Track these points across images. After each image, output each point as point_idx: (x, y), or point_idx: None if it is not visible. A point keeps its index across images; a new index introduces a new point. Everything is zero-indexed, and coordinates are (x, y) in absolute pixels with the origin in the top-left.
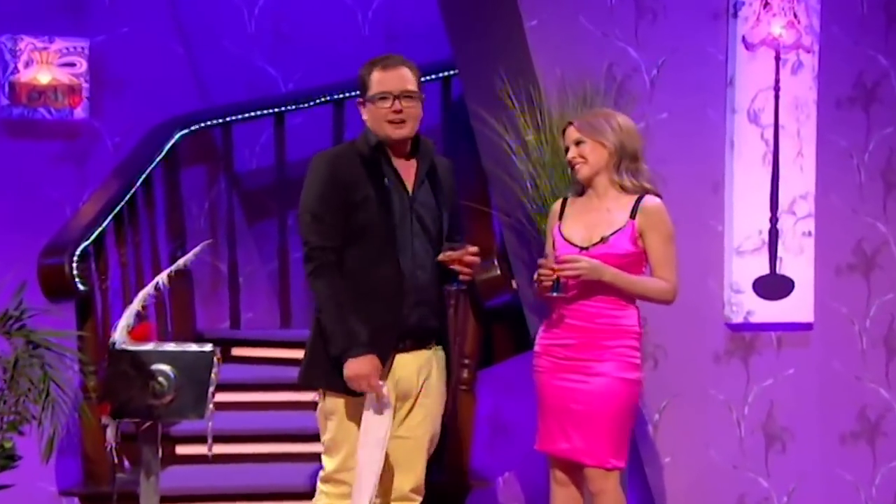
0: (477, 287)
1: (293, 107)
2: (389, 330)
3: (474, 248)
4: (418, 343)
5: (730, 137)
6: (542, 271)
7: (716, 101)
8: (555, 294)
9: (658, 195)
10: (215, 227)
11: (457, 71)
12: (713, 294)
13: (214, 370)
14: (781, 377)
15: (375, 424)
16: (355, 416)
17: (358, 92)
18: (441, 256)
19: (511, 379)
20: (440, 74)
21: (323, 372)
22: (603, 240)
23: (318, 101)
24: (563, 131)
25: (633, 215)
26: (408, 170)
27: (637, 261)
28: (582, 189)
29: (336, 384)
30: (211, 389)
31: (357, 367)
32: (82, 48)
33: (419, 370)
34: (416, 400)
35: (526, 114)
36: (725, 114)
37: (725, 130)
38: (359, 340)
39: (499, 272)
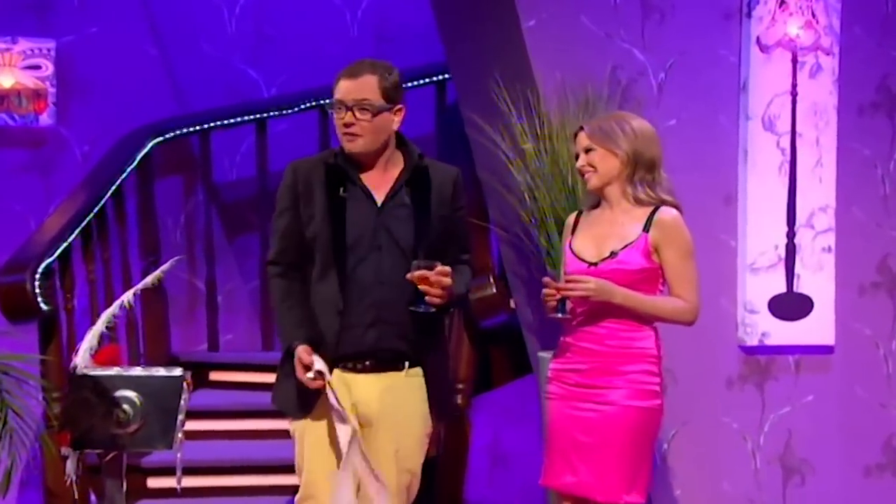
0: (471, 306)
1: (276, 113)
2: (328, 349)
3: (445, 269)
4: (381, 365)
5: (743, 146)
6: (546, 291)
7: (728, 107)
8: (560, 316)
9: (678, 207)
10: (192, 241)
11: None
12: (726, 314)
13: (184, 396)
14: (800, 404)
15: (339, 435)
16: (315, 442)
17: None
18: (408, 276)
19: (510, 405)
20: (434, 78)
21: (283, 393)
22: (612, 255)
23: (303, 106)
24: (575, 136)
25: (646, 228)
26: (381, 179)
27: (651, 277)
28: (597, 201)
29: (292, 407)
30: (180, 417)
31: (299, 353)
32: (48, 49)
33: (382, 393)
34: (382, 429)
35: (523, 121)
36: (738, 120)
37: (738, 138)
38: (294, 334)
39: (495, 290)
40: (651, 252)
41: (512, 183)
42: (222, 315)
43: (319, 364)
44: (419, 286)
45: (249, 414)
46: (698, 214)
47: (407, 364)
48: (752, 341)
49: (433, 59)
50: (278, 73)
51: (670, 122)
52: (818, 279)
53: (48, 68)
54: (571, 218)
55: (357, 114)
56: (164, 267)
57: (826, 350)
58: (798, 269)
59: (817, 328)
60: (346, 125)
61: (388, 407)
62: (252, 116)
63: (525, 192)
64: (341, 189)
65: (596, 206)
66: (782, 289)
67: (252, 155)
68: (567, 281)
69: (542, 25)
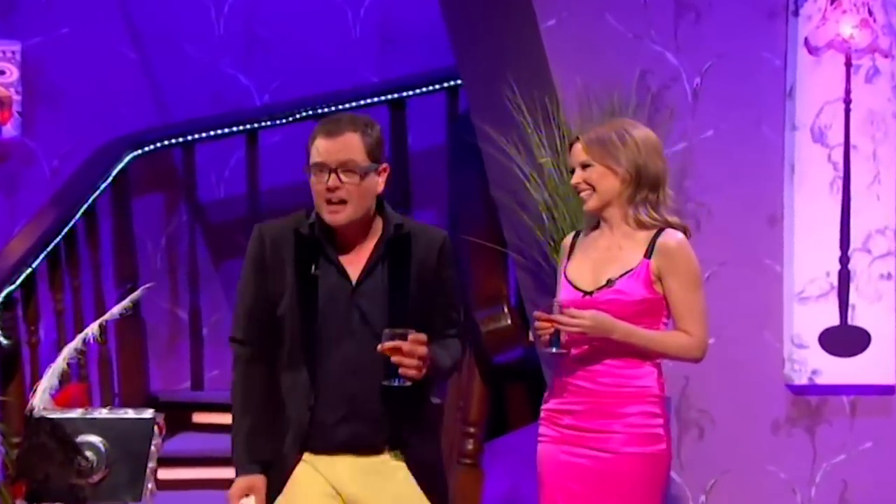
0: (483, 340)
1: (269, 123)
2: (296, 441)
3: (420, 336)
4: (356, 452)
5: (790, 160)
6: (538, 324)
7: (772, 116)
8: (554, 351)
9: (685, 230)
10: (174, 267)
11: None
12: (770, 350)
13: (155, 441)
14: (856, 452)
15: None
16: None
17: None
18: (379, 347)
19: (530, 450)
20: (444, 84)
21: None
22: (609, 283)
23: (298, 115)
24: (570, 147)
25: (648, 254)
26: (358, 253)
27: (653, 309)
28: (597, 221)
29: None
30: (151, 465)
31: (233, 486)
32: (13, 53)
33: (361, 475)
34: None
35: (541, 132)
36: (784, 131)
37: (784, 151)
38: (243, 459)
39: (509, 321)
40: (653, 281)
41: (528, 202)
42: (208, 349)
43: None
44: (392, 358)
45: None
46: (739, 237)
47: (387, 448)
48: (801, 380)
49: (444, 61)
50: (271, 79)
51: (707, 133)
52: (876, 310)
53: (13, 73)
54: (568, 239)
55: (343, 177)
56: (135, 294)
57: (886, 390)
58: (853, 298)
59: (875, 365)
60: (331, 189)
61: (371, 487)
62: (242, 127)
63: (543, 212)
64: (313, 266)
65: (596, 226)
66: (835, 321)
67: (242, 170)
68: (563, 313)
69: (563, 25)
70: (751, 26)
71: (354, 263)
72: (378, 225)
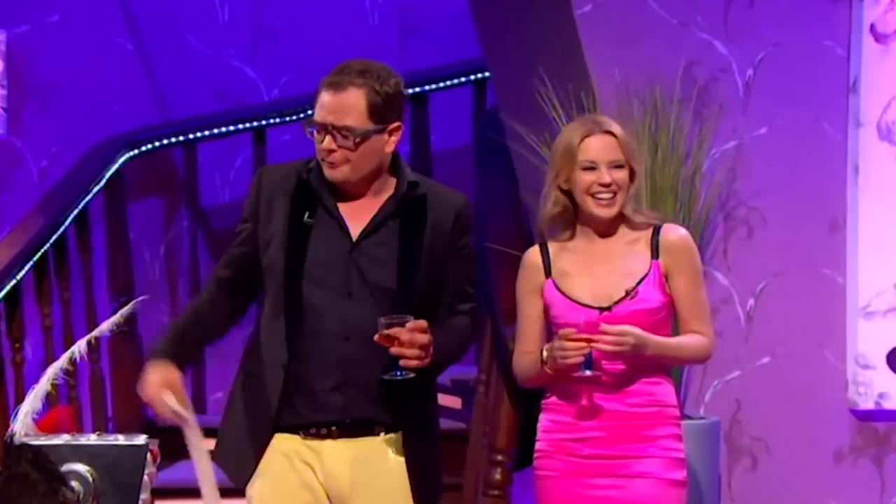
0: (511, 358)
1: (277, 120)
2: (262, 412)
3: (419, 323)
4: (350, 430)
5: (853, 160)
6: (568, 344)
7: (834, 112)
8: (587, 373)
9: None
10: (174, 277)
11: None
12: (832, 370)
13: (148, 470)
14: None
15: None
16: None
17: None
18: (375, 337)
19: None
20: (470, 77)
21: (220, 447)
22: (629, 294)
23: (310, 112)
24: (581, 139)
25: (655, 254)
26: (362, 209)
27: (667, 317)
28: (567, 229)
29: (228, 466)
30: (143, 497)
31: (148, 377)
32: None
33: (353, 463)
34: None
35: None
36: (847, 128)
37: (847, 150)
38: (164, 349)
39: None
40: (664, 283)
41: None
42: (210, 369)
43: (172, 402)
44: (390, 349)
45: (241, 491)
46: (797, 245)
47: (383, 430)
48: (867, 404)
49: (470, 52)
50: (280, 73)
51: (760, 130)
52: None
53: None
54: (535, 255)
55: (338, 139)
56: (129, 308)
57: None
58: None
59: None
60: (325, 150)
61: (362, 478)
62: (248, 125)
63: None
64: (307, 213)
65: (569, 237)
66: None
67: (248, 171)
68: (597, 332)
69: (600, 11)
70: (810, 12)
71: (358, 219)
72: (391, 184)
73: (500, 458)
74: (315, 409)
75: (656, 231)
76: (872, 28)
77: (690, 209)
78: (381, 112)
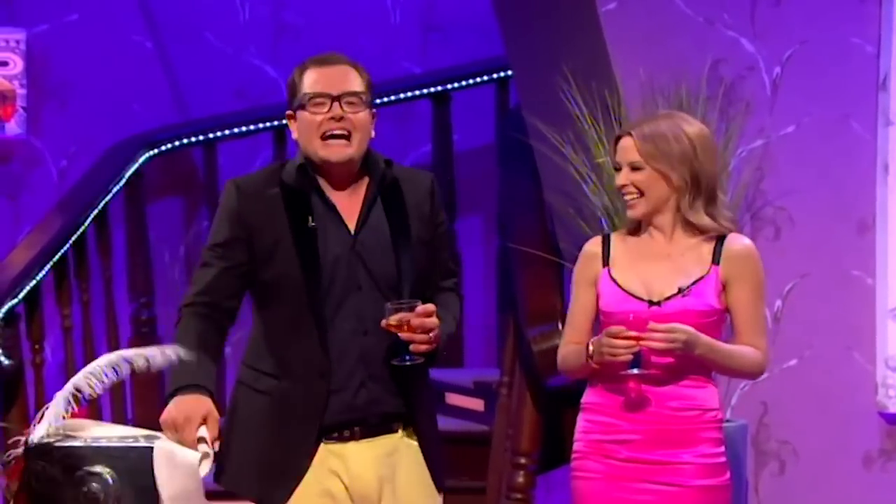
0: (535, 360)
1: None
2: (310, 420)
3: (428, 307)
4: (372, 429)
5: (883, 158)
6: (618, 342)
7: (863, 110)
8: (635, 371)
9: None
10: None
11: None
12: (861, 373)
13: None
14: None
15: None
16: None
17: (295, 103)
18: (383, 323)
19: None
20: (493, 75)
21: (237, 471)
22: (681, 291)
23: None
24: (616, 141)
25: (716, 260)
26: (351, 201)
27: (718, 322)
28: (637, 224)
29: (253, 490)
30: (164, 498)
31: (175, 407)
32: (17, 42)
33: (377, 462)
34: None
35: (600, 128)
36: (877, 127)
37: (877, 149)
38: (187, 380)
39: None
40: (721, 290)
41: (586, 206)
42: (230, 369)
43: (204, 433)
44: (400, 334)
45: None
46: (825, 246)
47: (400, 425)
48: None
49: (493, 50)
50: None
51: (788, 128)
52: None
53: (17, 65)
54: (597, 246)
55: (346, 107)
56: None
57: None
58: None
59: None
60: (335, 119)
61: (387, 476)
62: (269, 124)
63: (602, 218)
64: (310, 217)
65: (636, 231)
66: None
67: None
68: (647, 329)
69: (625, 8)
70: (838, 8)
71: (349, 211)
72: (364, 173)
73: (523, 461)
74: (345, 409)
75: (722, 239)
76: None
77: None
78: (369, 91)
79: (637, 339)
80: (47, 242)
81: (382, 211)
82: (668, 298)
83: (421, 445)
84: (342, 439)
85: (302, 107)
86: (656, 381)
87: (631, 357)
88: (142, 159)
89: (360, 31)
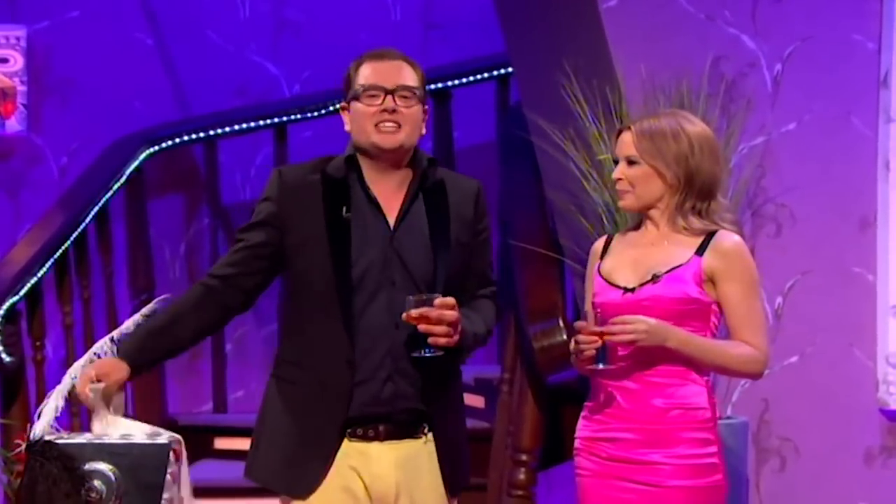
0: (536, 358)
1: (299, 116)
2: (335, 409)
3: (447, 300)
4: (397, 429)
5: (884, 155)
6: (581, 337)
7: (864, 107)
8: (600, 367)
9: (740, 234)
10: (194, 275)
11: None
12: (861, 369)
13: (171, 469)
14: None
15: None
16: None
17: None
18: (403, 316)
19: None
20: (494, 73)
21: (264, 463)
22: (655, 278)
23: (331, 108)
24: (618, 135)
25: (700, 251)
26: (393, 195)
27: (700, 313)
28: (639, 221)
29: (279, 481)
30: (166, 496)
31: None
32: (17, 39)
33: (398, 465)
34: None
35: (601, 125)
36: (878, 124)
37: (878, 146)
38: (126, 345)
39: (566, 337)
40: (704, 281)
41: (587, 203)
42: (231, 367)
43: (98, 388)
44: (419, 327)
45: (261, 491)
46: (826, 243)
47: (426, 428)
48: None
49: (494, 47)
50: (302, 68)
51: (789, 125)
52: None
53: (17, 62)
54: (600, 244)
55: (399, 101)
56: (147, 308)
57: None
58: None
59: None
60: (388, 111)
61: (405, 482)
62: (269, 121)
63: (603, 215)
64: (345, 209)
65: (637, 227)
66: None
67: (269, 168)
68: (613, 322)
69: (626, 5)
70: (839, 5)
71: (390, 206)
72: (409, 171)
73: (524, 457)
74: (370, 401)
75: (711, 234)
76: None
77: None
78: (423, 88)
79: (600, 334)
80: (48, 239)
81: (424, 208)
82: (643, 285)
83: (445, 449)
84: (366, 438)
85: (356, 98)
86: (642, 380)
87: (594, 352)
88: (142, 156)
89: (360, 28)
